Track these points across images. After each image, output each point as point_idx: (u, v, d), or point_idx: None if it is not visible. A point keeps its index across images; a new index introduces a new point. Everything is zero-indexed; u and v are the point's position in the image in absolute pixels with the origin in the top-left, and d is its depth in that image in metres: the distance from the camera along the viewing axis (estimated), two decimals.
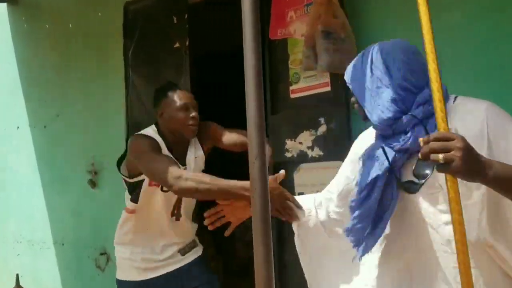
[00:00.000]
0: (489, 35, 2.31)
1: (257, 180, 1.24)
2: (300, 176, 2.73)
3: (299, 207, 1.74)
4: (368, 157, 1.39)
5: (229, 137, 2.41)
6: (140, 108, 3.41)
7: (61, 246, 3.81)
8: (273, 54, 2.89)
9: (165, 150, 2.25)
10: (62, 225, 3.82)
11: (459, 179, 1.07)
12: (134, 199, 2.31)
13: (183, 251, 2.46)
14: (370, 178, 1.33)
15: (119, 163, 2.38)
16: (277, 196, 1.72)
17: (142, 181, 2.24)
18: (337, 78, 2.57)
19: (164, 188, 2.20)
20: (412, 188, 1.29)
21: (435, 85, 1.13)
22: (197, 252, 2.52)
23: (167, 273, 2.41)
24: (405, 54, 1.36)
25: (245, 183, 1.71)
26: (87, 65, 3.74)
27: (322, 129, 2.60)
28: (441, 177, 1.14)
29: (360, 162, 1.43)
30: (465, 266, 1.05)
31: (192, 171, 2.29)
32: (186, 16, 3.14)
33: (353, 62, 1.48)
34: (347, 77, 1.47)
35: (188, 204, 2.46)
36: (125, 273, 2.47)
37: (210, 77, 4.86)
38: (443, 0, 2.44)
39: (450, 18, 2.39)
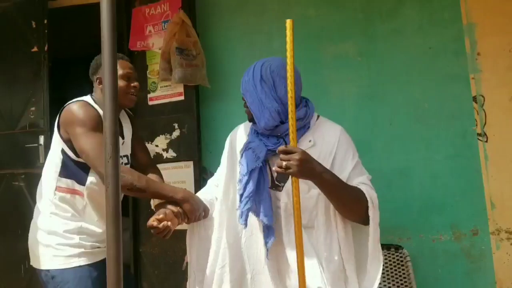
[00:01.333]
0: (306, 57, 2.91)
1: (112, 176, 1.49)
2: None
3: (206, 210, 1.87)
4: (246, 150, 1.72)
5: (141, 151, 2.32)
6: None
7: None
8: (133, 64, 3.11)
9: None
10: None
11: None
12: (83, 178, 2.01)
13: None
14: (248, 169, 1.67)
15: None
16: (191, 202, 1.84)
17: None
18: (189, 89, 2.93)
19: None
20: (278, 189, 1.66)
21: (290, 114, 1.49)
22: None
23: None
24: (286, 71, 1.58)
25: (174, 189, 1.92)
26: None
27: (176, 133, 2.94)
28: None
29: (239, 155, 1.76)
30: (299, 239, 1.49)
31: (125, 146, 2.18)
32: (45, 21, 3.20)
33: (244, 76, 1.71)
34: (242, 88, 1.71)
35: None
36: (84, 257, 2.04)
37: (68, 81, 4.88)
38: None
39: None
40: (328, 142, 1.66)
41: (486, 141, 2.70)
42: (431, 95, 2.78)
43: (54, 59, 3.32)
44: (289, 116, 1.48)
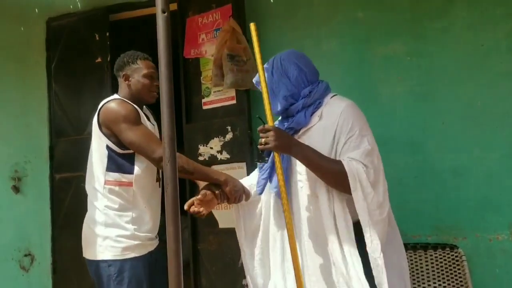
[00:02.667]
0: (355, 59, 2.95)
1: (170, 178, 1.61)
2: None
3: (246, 192, 2.06)
4: None
5: None
6: (63, 117, 3.64)
7: None
8: (188, 71, 3.30)
9: (143, 117, 2.24)
10: None
11: None
12: (129, 170, 2.16)
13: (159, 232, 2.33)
14: None
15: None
16: (231, 185, 2.03)
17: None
18: (240, 93, 3.05)
19: None
20: (264, 160, 1.85)
21: (266, 101, 1.72)
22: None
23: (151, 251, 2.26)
24: (297, 58, 1.85)
25: (218, 172, 2.13)
26: (8, 77, 3.87)
27: (229, 136, 3.06)
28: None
29: None
30: (287, 211, 1.68)
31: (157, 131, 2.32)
32: (107, 34, 3.44)
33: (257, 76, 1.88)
34: (255, 79, 1.91)
35: None
36: (138, 249, 2.18)
37: None
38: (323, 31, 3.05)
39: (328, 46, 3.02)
40: (333, 115, 1.76)
41: None
42: (484, 93, 2.74)
43: None
44: (265, 102, 1.72)
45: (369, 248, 1.62)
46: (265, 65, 1.88)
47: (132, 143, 2.09)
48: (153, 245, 2.28)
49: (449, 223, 2.76)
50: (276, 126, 1.88)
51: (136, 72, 2.27)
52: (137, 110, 2.16)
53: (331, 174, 1.67)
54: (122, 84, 2.30)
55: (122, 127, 2.09)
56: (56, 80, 3.70)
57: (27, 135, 3.83)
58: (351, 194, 1.65)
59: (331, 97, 1.84)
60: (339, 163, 1.66)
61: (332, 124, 1.74)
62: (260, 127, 1.71)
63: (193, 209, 1.92)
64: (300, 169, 1.80)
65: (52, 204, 3.68)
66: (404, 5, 2.94)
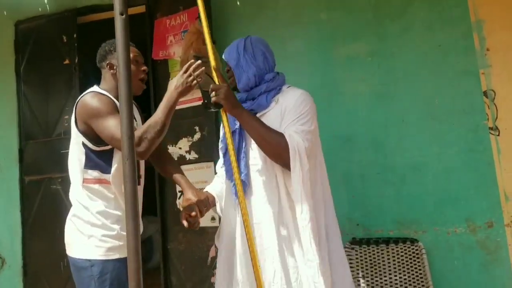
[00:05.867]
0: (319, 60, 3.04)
1: (129, 176, 1.64)
2: None
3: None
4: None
5: None
6: (32, 119, 3.64)
7: None
8: (156, 72, 3.34)
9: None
10: None
11: None
12: (106, 167, 2.08)
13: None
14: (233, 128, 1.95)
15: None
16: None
17: (112, 148, 2.07)
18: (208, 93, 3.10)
19: None
20: (208, 106, 1.94)
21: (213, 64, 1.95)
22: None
23: None
24: (264, 47, 2.03)
25: (169, 91, 1.99)
26: None
27: (197, 136, 3.11)
28: None
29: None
30: (239, 186, 1.80)
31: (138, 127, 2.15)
32: (75, 35, 3.46)
33: (229, 47, 2.05)
34: (225, 54, 2.05)
35: (142, 162, 2.28)
36: (122, 250, 2.08)
37: None
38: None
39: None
40: (288, 100, 1.91)
41: (498, 135, 2.74)
42: (442, 92, 2.84)
43: (84, 70, 3.56)
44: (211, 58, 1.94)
45: (298, 216, 1.76)
46: (236, 41, 2.05)
47: (107, 136, 1.97)
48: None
49: (409, 217, 2.85)
50: None
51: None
52: (113, 101, 2.04)
53: (273, 143, 1.80)
54: (107, 75, 2.16)
55: (97, 121, 1.99)
56: (25, 82, 3.70)
57: None
58: (289, 168, 1.78)
59: (287, 87, 2.00)
60: (281, 135, 1.81)
61: (285, 108, 1.89)
62: (214, 85, 1.88)
63: (189, 220, 1.96)
64: (255, 154, 1.90)
65: (22, 206, 3.67)
66: (367, 6, 3.03)
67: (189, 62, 1.97)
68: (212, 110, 1.93)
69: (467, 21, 2.82)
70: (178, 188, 3.21)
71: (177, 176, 2.18)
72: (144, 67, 2.19)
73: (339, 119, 3.02)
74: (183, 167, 3.17)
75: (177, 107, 3.16)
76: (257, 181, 1.90)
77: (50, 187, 3.50)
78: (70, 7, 3.56)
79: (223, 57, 2.09)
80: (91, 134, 2.03)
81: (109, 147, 2.05)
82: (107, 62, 2.15)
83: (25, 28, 3.70)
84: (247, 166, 1.92)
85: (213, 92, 1.86)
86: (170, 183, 3.26)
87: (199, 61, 1.94)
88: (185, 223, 1.96)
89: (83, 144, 2.06)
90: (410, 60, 2.91)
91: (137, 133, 1.90)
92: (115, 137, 1.92)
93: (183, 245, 3.18)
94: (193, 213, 1.94)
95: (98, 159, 2.07)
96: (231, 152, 1.81)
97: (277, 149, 1.80)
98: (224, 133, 1.93)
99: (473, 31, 2.80)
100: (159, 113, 1.94)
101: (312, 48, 3.12)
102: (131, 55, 2.08)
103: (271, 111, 1.92)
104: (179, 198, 3.21)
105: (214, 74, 1.93)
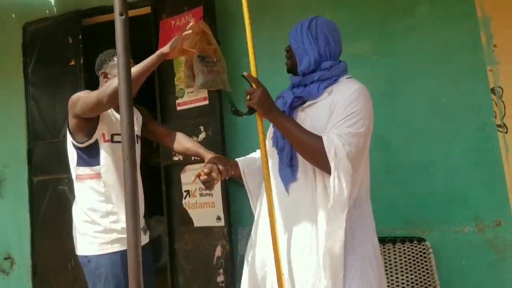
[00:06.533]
0: None
1: (129, 176, 1.65)
2: (186, 175, 3.22)
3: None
4: (277, 99, 1.92)
5: (153, 124, 2.48)
6: (40, 120, 3.66)
7: None
8: (162, 72, 3.34)
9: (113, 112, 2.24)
10: None
11: None
12: (94, 162, 2.18)
13: (144, 230, 2.31)
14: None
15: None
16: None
17: (96, 142, 2.18)
18: (213, 94, 3.11)
19: (114, 139, 2.20)
20: (238, 114, 1.84)
21: (252, 63, 1.82)
22: (148, 235, 2.39)
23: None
24: (329, 31, 1.84)
25: (158, 52, 2.04)
26: None
27: (202, 136, 3.11)
28: None
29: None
30: (267, 176, 1.74)
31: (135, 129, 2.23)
32: (80, 37, 3.48)
33: (294, 28, 1.90)
34: (290, 39, 1.90)
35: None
36: (116, 244, 2.17)
37: None
38: None
39: None
40: (341, 94, 1.73)
41: (506, 132, 2.70)
42: (448, 89, 2.81)
43: (90, 71, 3.57)
44: (251, 64, 1.81)
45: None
46: (302, 21, 1.89)
47: (92, 104, 2.04)
48: None
49: (417, 216, 2.82)
50: (283, 92, 1.92)
51: (114, 68, 2.24)
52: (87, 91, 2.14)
53: (308, 148, 1.67)
54: (102, 83, 2.29)
55: (80, 104, 2.08)
56: (33, 84, 3.73)
57: (6, 139, 3.87)
58: (329, 173, 1.64)
59: (347, 78, 1.83)
60: (319, 138, 1.65)
61: (337, 102, 1.72)
62: (249, 89, 1.75)
63: (203, 177, 1.87)
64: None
65: (31, 207, 3.70)
66: (372, 4, 3.01)
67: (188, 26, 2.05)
68: (245, 115, 1.82)
69: (474, 18, 2.79)
70: (184, 188, 3.22)
71: (192, 147, 2.30)
72: None
73: None
74: (189, 167, 3.21)
75: (182, 107, 3.24)
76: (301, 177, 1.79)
77: (58, 188, 3.52)
78: (76, 8, 3.57)
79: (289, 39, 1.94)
80: (76, 129, 2.15)
81: (92, 141, 2.16)
82: (102, 71, 2.28)
83: (33, 30, 3.73)
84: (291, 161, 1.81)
85: (248, 96, 1.74)
86: (176, 183, 3.27)
87: (190, 31, 2.00)
88: (193, 177, 1.88)
89: (71, 143, 2.20)
90: (416, 58, 2.89)
91: (95, 93, 2.02)
92: (99, 96, 1.99)
93: (190, 245, 3.19)
94: (206, 170, 1.87)
95: (85, 155, 2.18)
96: (263, 159, 1.75)
97: (313, 154, 1.67)
98: (273, 132, 1.88)
99: (480, 28, 2.77)
100: (135, 69, 1.96)
101: None
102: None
103: (321, 102, 1.77)
104: (184, 198, 3.21)
105: (253, 73, 1.81)
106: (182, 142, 2.39)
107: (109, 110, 2.20)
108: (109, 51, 2.34)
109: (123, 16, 1.81)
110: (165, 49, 2.05)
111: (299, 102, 1.83)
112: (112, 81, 2.00)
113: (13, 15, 3.83)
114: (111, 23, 3.65)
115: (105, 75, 2.27)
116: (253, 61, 1.81)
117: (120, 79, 1.74)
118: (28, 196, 3.71)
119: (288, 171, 1.80)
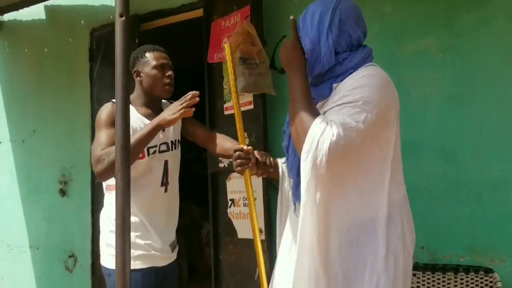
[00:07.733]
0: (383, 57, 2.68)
1: (121, 189, 1.55)
2: (231, 183, 3.07)
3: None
4: None
5: (192, 125, 2.35)
6: None
7: (36, 250, 4.15)
8: (211, 76, 3.24)
9: (134, 114, 2.11)
10: (36, 230, 4.16)
11: None
12: None
13: (173, 246, 2.25)
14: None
15: None
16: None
17: None
18: (258, 98, 2.92)
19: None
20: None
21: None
22: (176, 251, 2.30)
23: (158, 266, 2.15)
24: (354, 20, 1.51)
25: (156, 119, 1.97)
26: (58, 84, 4.10)
27: (246, 142, 2.94)
28: None
29: None
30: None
31: (171, 134, 2.22)
32: (137, 41, 3.49)
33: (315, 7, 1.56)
34: (308, 15, 1.57)
35: (174, 166, 2.26)
36: (139, 261, 2.09)
37: None
38: None
39: None
40: (345, 84, 1.44)
41: None
42: None
43: None
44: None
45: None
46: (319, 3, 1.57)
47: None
48: (162, 258, 2.16)
49: (485, 243, 2.41)
50: None
51: (146, 65, 2.16)
52: (112, 113, 2.00)
53: (296, 122, 1.42)
54: (136, 83, 2.20)
55: (96, 130, 2.07)
56: (97, 88, 3.83)
57: (73, 141, 4.02)
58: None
59: (365, 66, 1.46)
60: (313, 116, 1.38)
61: (338, 93, 1.44)
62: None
63: (238, 153, 1.76)
64: None
65: (93, 207, 3.81)
66: None
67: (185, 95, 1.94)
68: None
69: None
70: (229, 197, 3.08)
71: (232, 147, 2.06)
72: (170, 72, 2.18)
73: (404, 124, 2.55)
74: (234, 175, 3.06)
75: (229, 111, 3.09)
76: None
77: None
78: (134, 13, 3.61)
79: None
80: None
81: None
82: (134, 69, 2.21)
83: (98, 36, 3.84)
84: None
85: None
86: (223, 191, 3.14)
87: (196, 93, 1.93)
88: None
89: None
90: (489, 56, 2.47)
91: (97, 153, 1.93)
92: (92, 150, 1.97)
93: (233, 257, 3.04)
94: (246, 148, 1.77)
95: None
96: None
97: (296, 132, 1.42)
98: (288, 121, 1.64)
99: None
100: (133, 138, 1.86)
101: (375, 44, 2.72)
102: (158, 62, 2.15)
103: (329, 101, 1.48)
104: (229, 207, 3.07)
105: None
106: (222, 143, 2.27)
107: (139, 124, 2.12)
108: (142, 47, 2.26)
109: (123, 18, 1.73)
110: (162, 121, 1.97)
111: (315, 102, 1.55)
112: (111, 150, 1.86)
113: (82, 22, 3.97)
114: (168, 27, 3.65)
115: (138, 74, 2.19)
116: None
117: (116, 85, 1.65)
118: (90, 197, 3.83)
119: (295, 190, 1.60)
